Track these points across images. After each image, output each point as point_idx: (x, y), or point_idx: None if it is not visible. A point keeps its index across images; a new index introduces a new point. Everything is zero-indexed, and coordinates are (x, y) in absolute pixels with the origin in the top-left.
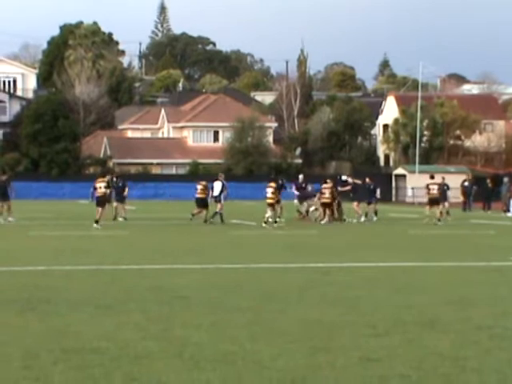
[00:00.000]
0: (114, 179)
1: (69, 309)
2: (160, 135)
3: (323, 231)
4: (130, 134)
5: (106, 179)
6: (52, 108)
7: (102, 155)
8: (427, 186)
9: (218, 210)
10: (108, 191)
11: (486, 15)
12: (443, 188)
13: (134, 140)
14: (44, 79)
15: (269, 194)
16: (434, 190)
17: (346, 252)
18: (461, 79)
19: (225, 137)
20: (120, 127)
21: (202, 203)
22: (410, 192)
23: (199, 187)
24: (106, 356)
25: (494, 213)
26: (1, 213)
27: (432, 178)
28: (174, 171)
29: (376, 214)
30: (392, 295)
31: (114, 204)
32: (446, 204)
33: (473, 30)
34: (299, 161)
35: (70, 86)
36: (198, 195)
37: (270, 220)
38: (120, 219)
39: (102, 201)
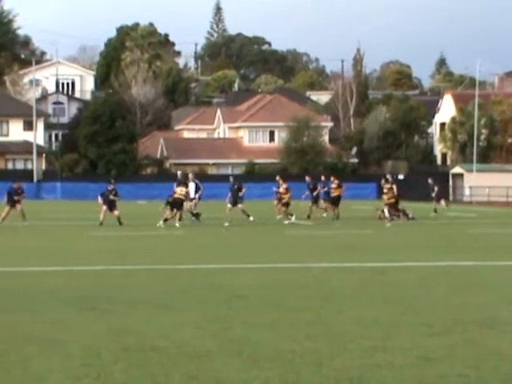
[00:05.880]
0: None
1: (128, 308)
2: (216, 135)
3: (380, 231)
4: (186, 134)
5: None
6: (109, 109)
7: (158, 156)
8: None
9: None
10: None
11: None
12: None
13: (191, 140)
14: (101, 81)
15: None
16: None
17: (402, 251)
18: None
19: (280, 137)
20: (176, 128)
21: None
22: (467, 191)
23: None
24: (164, 355)
25: None
26: (4, 218)
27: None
28: (229, 171)
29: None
30: (449, 295)
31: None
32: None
33: None
34: (355, 160)
35: (127, 87)
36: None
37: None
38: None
39: (177, 203)
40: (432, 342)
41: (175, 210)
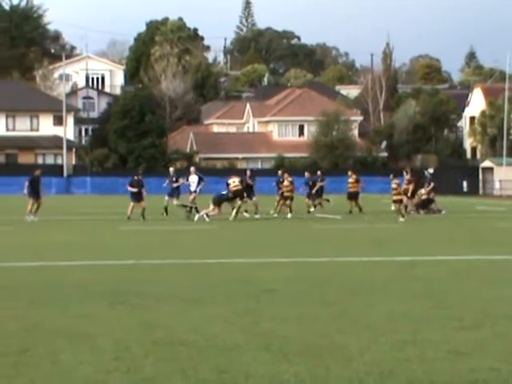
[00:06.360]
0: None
1: (157, 302)
2: (245, 130)
3: (408, 225)
4: (215, 128)
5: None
6: (139, 104)
7: (188, 150)
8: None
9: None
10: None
11: None
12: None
13: (220, 135)
14: (131, 75)
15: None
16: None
17: (431, 245)
18: None
19: (310, 131)
20: (206, 122)
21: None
22: (497, 185)
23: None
24: (194, 348)
25: None
26: (30, 211)
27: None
28: (259, 166)
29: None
30: (480, 288)
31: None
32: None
33: None
34: (385, 154)
35: (157, 82)
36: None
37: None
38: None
39: (238, 194)
40: (462, 335)
41: (239, 201)
